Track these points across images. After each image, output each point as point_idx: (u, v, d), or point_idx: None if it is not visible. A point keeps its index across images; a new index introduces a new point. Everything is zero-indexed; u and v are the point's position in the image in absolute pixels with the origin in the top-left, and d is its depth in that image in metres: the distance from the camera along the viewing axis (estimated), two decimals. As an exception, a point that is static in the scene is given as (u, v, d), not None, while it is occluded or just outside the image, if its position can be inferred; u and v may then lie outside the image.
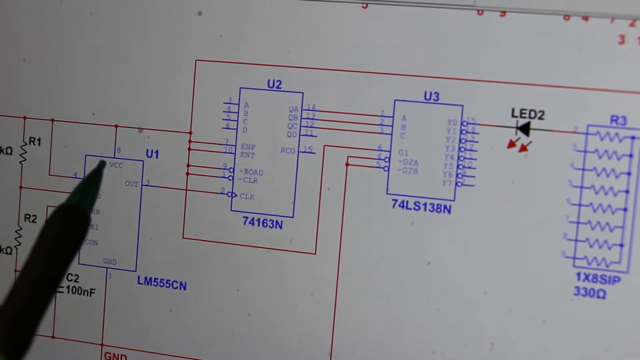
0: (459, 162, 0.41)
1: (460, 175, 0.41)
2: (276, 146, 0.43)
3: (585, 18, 0.40)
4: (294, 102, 0.43)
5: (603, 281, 0.40)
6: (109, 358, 0.46)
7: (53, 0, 0.45)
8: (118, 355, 0.46)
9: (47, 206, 0.46)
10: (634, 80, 0.40)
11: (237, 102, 0.44)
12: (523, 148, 0.41)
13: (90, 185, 0.33)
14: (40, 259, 0.30)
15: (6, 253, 0.47)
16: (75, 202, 0.32)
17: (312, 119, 0.43)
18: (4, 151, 0.46)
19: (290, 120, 0.43)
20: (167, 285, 0.45)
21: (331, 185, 0.43)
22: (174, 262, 0.45)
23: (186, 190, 0.44)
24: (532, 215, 0.41)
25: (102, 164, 0.34)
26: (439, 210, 0.42)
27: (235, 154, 0.44)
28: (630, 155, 0.40)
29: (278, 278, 0.44)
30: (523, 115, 0.41)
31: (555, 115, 0.40)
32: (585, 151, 0.40)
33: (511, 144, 0.41)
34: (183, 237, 0.45)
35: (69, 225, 0.31)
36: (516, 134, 0.41)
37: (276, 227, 0.44)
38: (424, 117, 0.42)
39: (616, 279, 0.40)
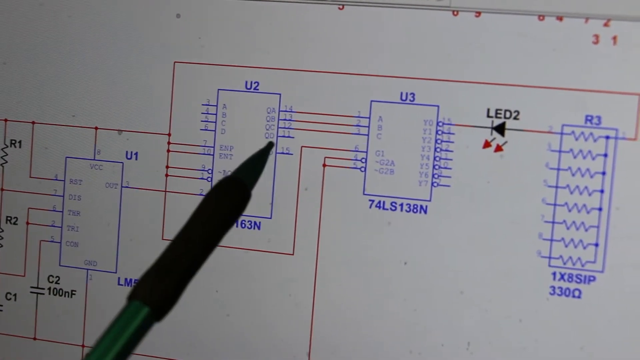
0: (435, 163, 0.42)
1: (436, 176, 0.42)
2: (254, 147, 0.43)
3: (560, 18, 0.40)
4: (271, 104, 0.43)
5: (578, 280, 0.40)
6: (89, 359, 0.46)
7: (33, 2, 0.45)
8: (99, 356, 0.46)
9: (29, 208, 0.46)
10: (609, 80, 0.40)
11: (215, 104, 0.44)
12: (498, 148, 0.41)
13: (256, 163, 0.34)
14: (197, 223, 0.31)
15: (-12, 255, 0.47)
16: (240, 176, 0.32)
17: (290, 120, 0.43)
18: (-14, 154, 0.47)
19: (267, 121, 0.43)
20: (147, 286, 0.45)
21: (308, 186, 0.43)
22: (154, 264, 0.45)
23: (165, 191, 0.45)
24: (507, 215, 0.41)
25: (270, 145, 0.35)
26: (415, 210, 0.42)
27: (213, 155, 0.44)
28: (605, 155, 0.40)
29: (256, 279, 0.44)
30: (498, 115, 0.41)
31: (530, 115, 0.41)
32: (560, 151, 0.40)
33: (487, 144, 0.41)
34: (163, 238, 0.45)
35: (230, 197, 0.32)
36: (491, 134, 0.41)
37: (254, 227, 0.44)
38: (400, 118, 0.42)
39: (591, 278, 0.40)
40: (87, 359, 0.27)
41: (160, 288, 0.29)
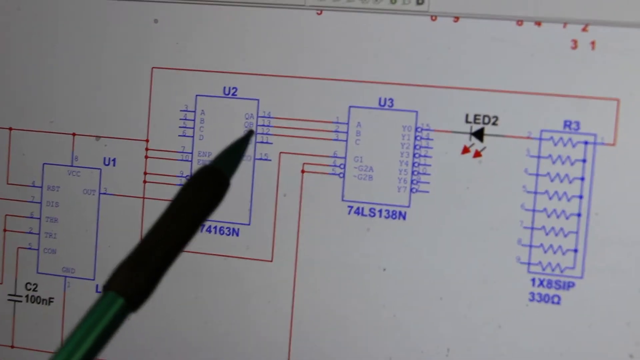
0: (414, 169, 0.41)
1: (415, 182, 0.41)
2: (232, 153, 0.43)
3: (538, 23, 0.40)
4: (249, 109, 0.43)
5: (557, 287, 0.40)
6: (68, 367, 0.46)
7: (10, 7, 0.45)
8: (77, 364, 0.45)
9: (6, 215, 0.46)
10: (587, 85, 0.40)
11: (194, 110, 0.44)
12: (477, 154, 0.41)
13: (235, 151, 0.33)
14: (173, 213, 0.30)
15: (-35, 262, 0.47)
16: (218, 165, 0.32)
17: (268, 125, 0.43)
18: (-37, 160, 0.46)
19: (246, 127, 0.43)
20: (125, 293, 0.44)
21: (287, 192, 0.43)
22: (132, 270, 0.44)
23: (143, 198, 0.44)
24: (486, 220, 0.41)
25: (250, 133, 0.35)
26: (394, 216, 0.42)
27: (192, 161, 0.44)
28: (584, 161, 0.40)
29: (235, 286, 0.44)
30: (477, 121, 0.41)
31: (509, 120, 0.40)
32: (539, 156, 0.40)
33: (465, 150, 0.41)
34: (141, 245, 0.44)
35: (208, 186, 0.31)
36: (470, 139, 0.41)
37: (233, 234, 0.43)
38: (379, 124, 0.42)
39: (571, 284, 0.40)
40: (61, 351, 0.27)
41: (136, 278, 0.28)
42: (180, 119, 0.44)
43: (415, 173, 0.41)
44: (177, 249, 0.29)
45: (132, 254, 0.29)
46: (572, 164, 0.40)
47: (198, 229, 0.30)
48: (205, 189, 0.31)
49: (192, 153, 0.44)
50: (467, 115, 0.41)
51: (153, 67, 0.44)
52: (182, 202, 0.30)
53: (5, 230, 0.46)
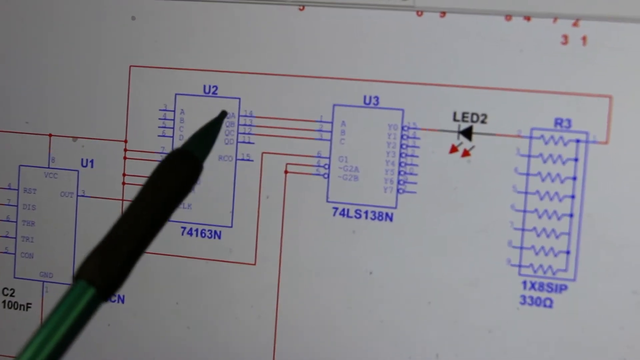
0: (400, 169, 0.40)
1: (401, 182, 0.40)
2: (213, 154, 0.41)
3: (528, 18, 0.39)
4: (230, 108, 0.42)
5: (549, 289, 0.39)
6: (46, 374, 0.44)
7: (-18, 5, 0.44)
8: (56, 371, 0.44)
9: (-18, 218, 0.45)
10: (578, 82, 0.38)
11: (173, 109, 0.42)
12: (465, 153, 0.40)
13: (208, 134, 0.33)
14: (145, 199, 0.29)
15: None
16: (190, 149, 0.31)
17: (250, 125, 0.42)
18: (-64, 162, 0.45)
19: (227, 126, 0.42)
20: (105, 298, 0.43)
21: (270, 194, 0.42)
22: (111, 275, 0.43)
23: (122, 200, 0.43)
24: (475, 222, 0.40)
25: (223, 114, 0.34)
26: (380, 218, 0.40)
27: (171, 162, 0.42)
28: (576, 160, 0.39)
29: (218, 290, 0.42)
30: (465, 119, 0.39)
31: (498, 118, 0.39)
32: (529, 155, 0.39)
33: (453, 149, 0.40)
34: (120, 249, 0.43)
35: (180, 171, 0.30)
36: (458, 138, 0.40)
37: (215, 237, 0.42)
38: (364, 122, 0.40)
39: (563, 287, 0.39)
40: (31, 342, 0.26)
41: (107, 267, 0.28)
42: (160, 119, 0.43)
43: (402, 173, 0.40)
44: (149, 236, 0.29)
45: (103, 241, 0.28)
46: (563, 163, 0.39)
47: (170, 215, 0.30)
48: (177, 174, 0.30)
49: (172, 154, 0.42)
50: (454, 113, 0.40)
51: (131, 66, 0.43)
52: (153, 188, 0.30)
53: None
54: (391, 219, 0.40)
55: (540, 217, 0.39)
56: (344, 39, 0.40)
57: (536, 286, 0.39)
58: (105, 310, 0.42)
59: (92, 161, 0.43)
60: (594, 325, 0.39)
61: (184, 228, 0.42)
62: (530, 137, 0.39)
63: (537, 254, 0.39)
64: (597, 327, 0.39)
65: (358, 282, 0.41)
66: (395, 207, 0.40)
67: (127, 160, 0.43)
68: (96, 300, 0.28)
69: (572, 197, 0.39)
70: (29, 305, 0.45)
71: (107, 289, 0.28)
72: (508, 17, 0.39)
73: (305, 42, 0.41)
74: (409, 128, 0.40)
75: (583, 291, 0.39)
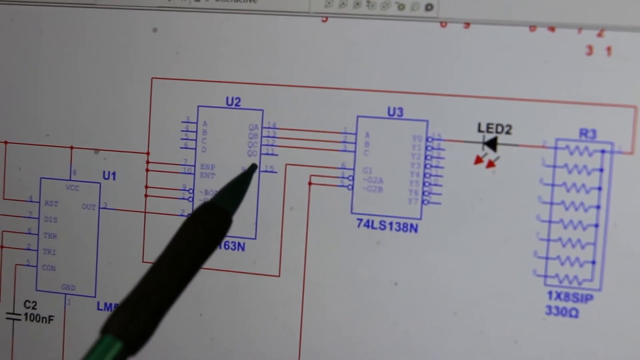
0: (425, 180, 0.40)
1: (426, 193, 0.40)
2: (236, 166, 0.42)
3: (552, 29, 0.39)
4: (253, 120, 0.42)
5: (575, 300, 0.39)
6: (69, 387, 0.44)
7: (3, 18, 0.44)
8: (79, 383, 0.44)
9: (3, 231, 0.45)
10: (603, 92, 0.38)
11: (195, 121, 0.42)
12: (490, 164, 0.40)
13: (237, 187, 0.33)
14: (174, 253, 0.29)
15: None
16: (220, 202, 0.31)
17: (273, 137, 0.41)
18: (-43, 175, 0.45)
19: (250, 138, 0.42)
20: (128, 311, 0.43)
21: (294, 205, 0.41)
22: (134, 287, 0.43)
23: (145, 212, 0.43)
24: (501, 232, 0.40)
25: (253, 167, 0.34)
26: (405, 229, 0.40)
27: (194, 174, 0.42)
28: (601, 170, 0.39)
29: (241, 302, 0.42)
30: (490, 130, 0.39)
31: (522, 129, 0.39)
32: (554, 166, 0.39)
33: (478, 160, 0.40)
34: (143, 261, 0.43)
35: (209, 225, 0.30)
36: (483, 149, 0.40)
37: (238, 249, 0.42)
38: (388, 134, 0.40)
39: (589, 297, 0.39)
40: None
41: (135, 322, 0.28)
42: (182, 131, 0.42)
43: (427, 184, 0.40)
44: (176, 291, 0.29)
45: (130, 296, 0.28)
46: (588, 173, 0.39)
47: (199, 269, 0.30)
48: (205, 228, 0.30)
49: (194, 166, 0.42)
50: (479, 124, 0.40)
51: (153, 78, 0.43)
52: (182, 242, 0.30)
53: (2, 246, 0.45)
54: (416, 230, 0.40)
55: (565, 227, 0.39)
56: (367, 50, 0.40)
57: (562, 296, 0.39)
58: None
59: (114, 173, 0.43)
60: (619, 334, 0.39)
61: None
62: (555, 148, 0.39)
63: (562, 264, 0.39)
64: (623, 336, 0.39)
65: (383, 293, 0.41)
66: (420, 218, 0.40)
67: (149, 172, 0.43)
68: (123, 355, 0.27)
69: (598, 207, 0.39)
70: (51, 318, 0.45)
71: (134, 344, 0.28)
72: (532, 27, 0.39)
73: (328, 54, 0.41)
74: (433, 139, 0.40)
75: (609, 301, 0.39)
